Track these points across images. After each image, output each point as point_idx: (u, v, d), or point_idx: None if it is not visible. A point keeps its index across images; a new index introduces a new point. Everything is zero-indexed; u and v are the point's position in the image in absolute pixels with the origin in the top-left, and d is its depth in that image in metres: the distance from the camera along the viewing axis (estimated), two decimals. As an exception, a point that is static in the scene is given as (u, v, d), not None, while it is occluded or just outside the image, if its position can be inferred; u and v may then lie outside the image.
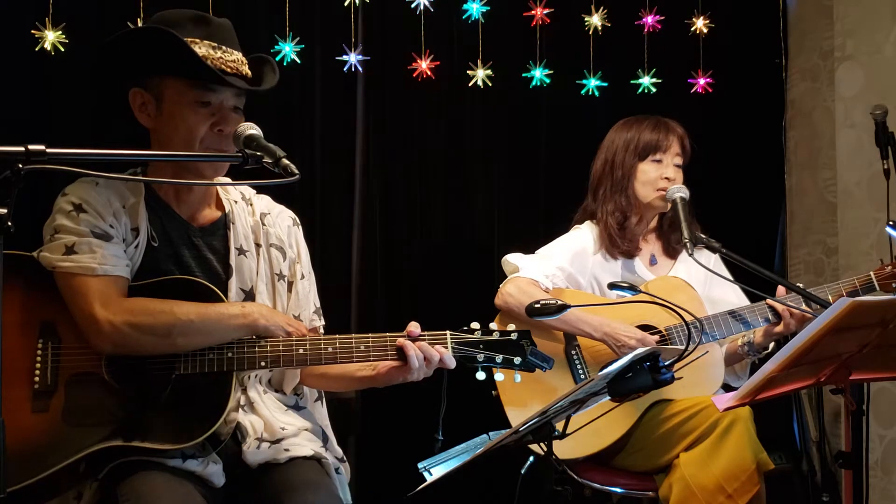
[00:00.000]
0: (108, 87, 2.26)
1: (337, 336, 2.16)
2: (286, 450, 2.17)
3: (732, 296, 3.02)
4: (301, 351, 2.12)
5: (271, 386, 2.30)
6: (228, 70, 2.13)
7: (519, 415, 2.80)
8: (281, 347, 2.12)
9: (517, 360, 2.19)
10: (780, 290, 2.85)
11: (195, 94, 2.12)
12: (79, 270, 2.05)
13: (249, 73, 2.20)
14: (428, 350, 2.14)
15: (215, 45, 2.13)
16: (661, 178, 2.99)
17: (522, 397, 2.82)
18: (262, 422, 2.18)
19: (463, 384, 2.39)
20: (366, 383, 2.28)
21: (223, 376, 2.09)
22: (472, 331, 2.20)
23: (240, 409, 2.18)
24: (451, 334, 2.18)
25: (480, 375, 2.20)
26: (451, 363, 2.17)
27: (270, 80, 2.23)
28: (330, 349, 2.13)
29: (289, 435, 2.20)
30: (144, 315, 2.04)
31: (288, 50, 3.50)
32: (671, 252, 3.09)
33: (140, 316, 2.04)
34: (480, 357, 2.18)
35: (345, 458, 2.33)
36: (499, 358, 2.19)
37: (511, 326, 2.22)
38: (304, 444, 2.20)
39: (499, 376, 2.23)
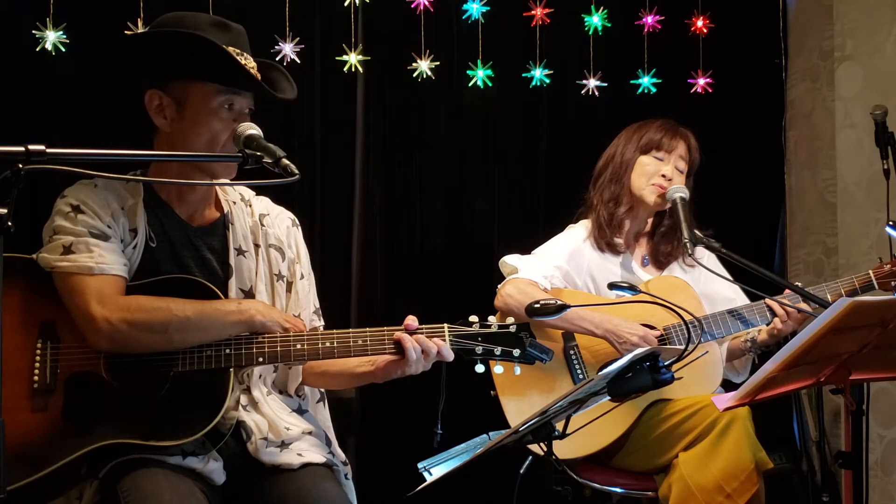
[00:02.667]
0: (122, 86, 2.27)
1: (334, 331, 2.16)
2: (299, 455, 2.18)
3: (728, 290, 3.02)
4: (299, 346, 2.13)
5: (275, 387, 2.30)
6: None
7: (518, 414, 2.80)
8: (279, 343, 2.12)
9: (516, 351, 2.18)
10: (786, 291, 2.85)
11: (221, 99, 2.13)
12: (76, 270, 2.06)
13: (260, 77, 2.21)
14: (425, 342, 2.14)
15: (238, 51, 2.14)
16: (657, 173, 2.99)
17: (521, 398, 2.82)
18: (265, 421, 2.19)
19: (463, 384, 2.39)
20: (366, 379, 2.28)
21: (221, 373, 2.09)
22: (470, 324, 2.20)
23: (243, 408, 2.18)
24: (448, 327, 2.18)
25: (479, 368, 2.20)
26: (449, 355, 2.17)
27: (289, 89, 2.25)
28: (328, 344, 2.14)
29: (293, 436, 2.20)
30: (141, 312, 2.05)
31: (288, 50, 3.50)
32: (659, 263, 3.09)
33: (136, 313, 2.05)
34: (479, 349, 2.17)
35: (347, 461, 2.33)
36: (497, 350, 2.18)
37: (510, 320, 2.22)
38: (315, 451, 2.21)
39: (498, 369, 2.22)
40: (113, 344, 2.05)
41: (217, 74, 2.12)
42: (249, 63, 2.16)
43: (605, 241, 3.02)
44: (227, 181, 2.28)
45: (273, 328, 2.13)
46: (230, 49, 2.12)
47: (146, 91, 2.18)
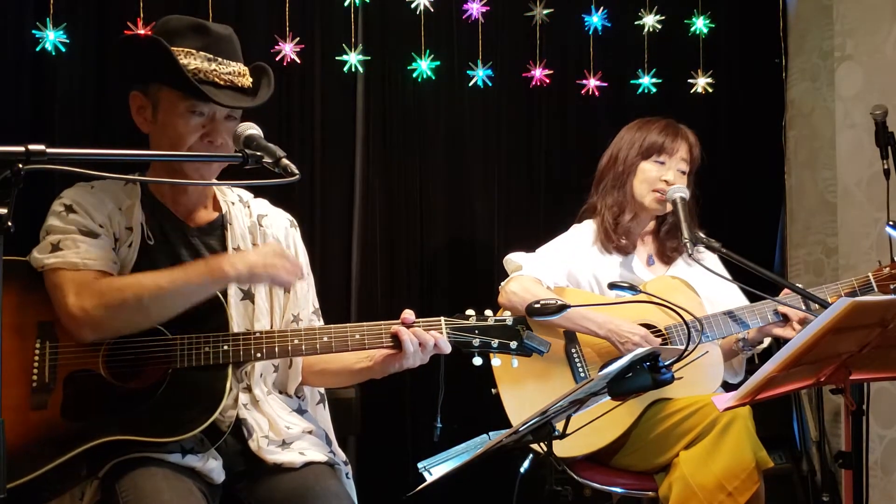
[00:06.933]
0: (118, 88, 2.28)
1: (331, 326, 2.18)
2: (301, 454, 2.18)
3: (731, 298, 3.02)
4: (296, 342, 2.13)
5: (275, 387, 2.31)
6: (221, 83, 2.13)
7: (518, 407, 2.80)
8: (276, 339, 2.13)
9: (513, 344, 2.19)
10: (786, 290, 2.85)
11: (186, 104, 2.14)
12: (61, 265, 2.06)
13: (249, 82, 2.20)
14: (422, 335, 2.15)
15: (210, 56, 2.13)
16: (659, 179, 2.99)
17: (520, 391, 2.82)
18: (266, 420, 2.19)
19: (463, 385, 2.39)
20: (364, 375, 2.29)
21: (219, 369, 2.10)
22: (468, 317, 2.21)
23: (244, 407, 2.18)
24: (445, 320, 2.19)
25: (477, 361, 2.21)
26: (447, 347, 2.17)
27: (263, 94, 2.22)
28: (325, 339, 2.14)
29: (294, 435, 2.21)
30: (113, 292, 2.03)
31: (288, 50, 3.50)
32: (666, 258, 3.10)
33: (108, 295, 2.03)
34: (476, 342, 2.18)
35: (348, 461, 2.34)
36: (494, 342, 2.19)
37: (507, 313, 2.22)
38: (316, 450, 2.21)
39: (496, 361, 2.24)
40: (95, 331, 2.03)
41: (174, 81, 2.12)
42: (224, 69, 2.13)
43: (613, 245, 3.02)
44: (227, 182, 2.29)
45: (260, 276, 2.08)
46: (201, 54, 2.12)
47: (130, 93, 2.21)
